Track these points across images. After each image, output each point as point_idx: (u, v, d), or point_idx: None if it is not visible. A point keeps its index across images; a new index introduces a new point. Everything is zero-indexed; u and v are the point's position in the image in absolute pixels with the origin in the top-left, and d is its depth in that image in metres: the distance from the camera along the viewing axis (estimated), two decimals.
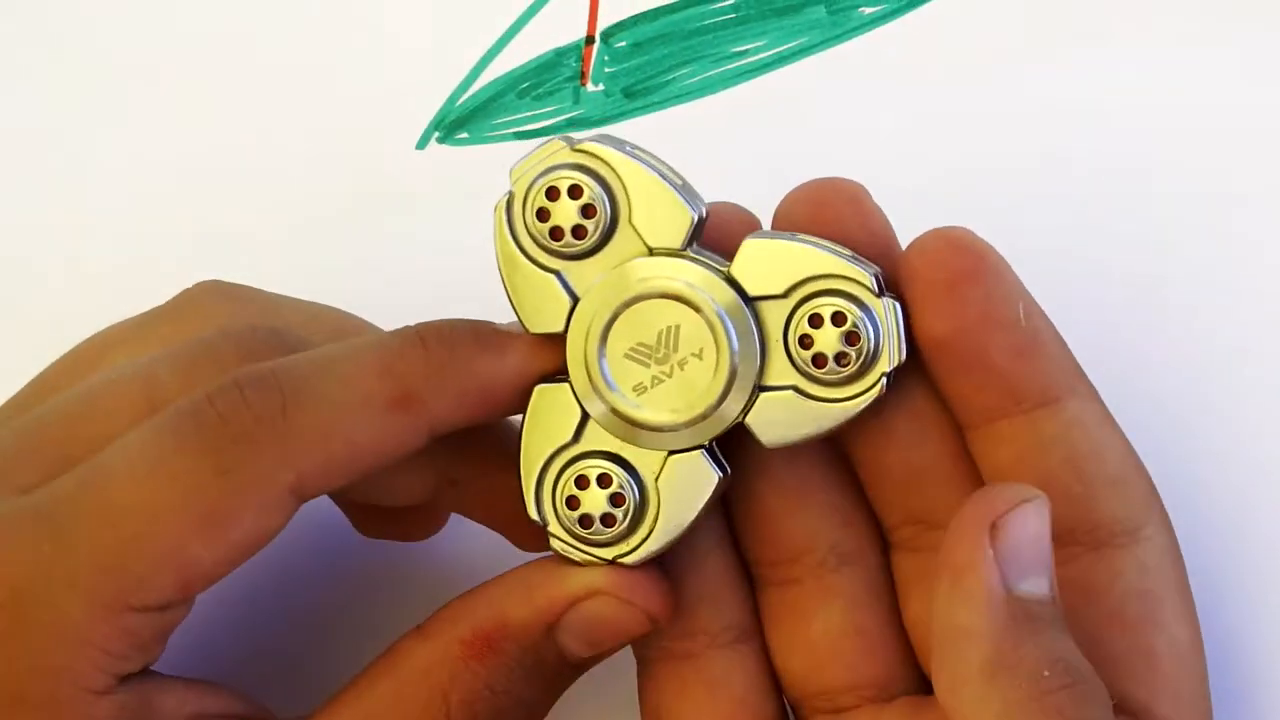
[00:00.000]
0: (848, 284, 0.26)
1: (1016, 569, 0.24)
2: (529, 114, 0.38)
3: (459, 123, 0.38)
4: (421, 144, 0.38)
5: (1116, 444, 0.27)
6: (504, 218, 0.27)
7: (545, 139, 0.27)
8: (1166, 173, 0.36)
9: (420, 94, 0.38)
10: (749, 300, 0.26)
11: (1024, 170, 0.36)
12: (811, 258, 0.26)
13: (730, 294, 0.26)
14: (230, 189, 0.38)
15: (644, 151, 0.27)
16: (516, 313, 0.27)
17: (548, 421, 0.27)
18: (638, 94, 0.38)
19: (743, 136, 0.38)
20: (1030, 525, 0.24)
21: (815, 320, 0.26)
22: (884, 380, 0.26)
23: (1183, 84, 0.36)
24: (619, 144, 0.27)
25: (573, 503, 0.27)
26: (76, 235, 0.38)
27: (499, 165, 0.37)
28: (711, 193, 0.37)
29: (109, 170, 0.39)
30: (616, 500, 0.27)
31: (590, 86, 0.38)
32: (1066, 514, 0.26)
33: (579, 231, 0.26)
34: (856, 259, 0.26)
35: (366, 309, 0.37)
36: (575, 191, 0.26)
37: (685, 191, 0.27)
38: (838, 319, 0.25)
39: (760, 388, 0.26)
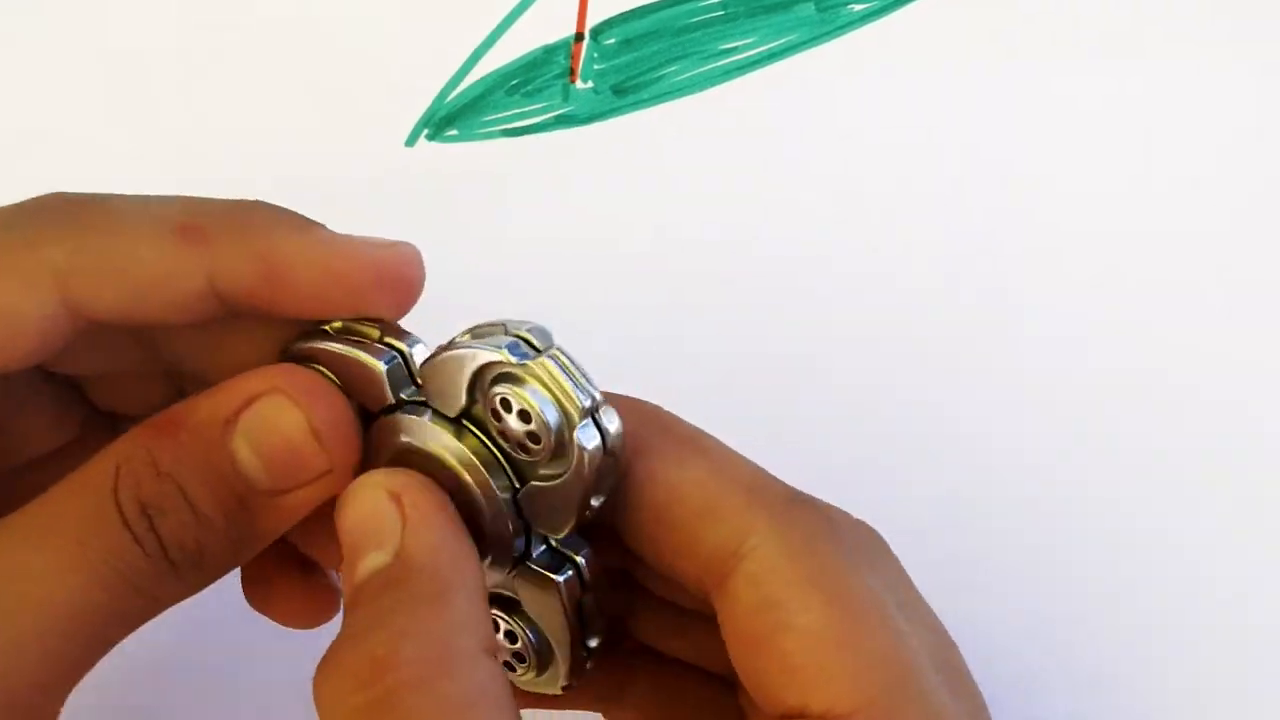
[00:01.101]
0: (498, 367, 0.25)
1: (349, 559, 0.25)
2: (518, 111, 0.38)
3: (448, 120, 0.38)
4: (410, 141, 0.38)
5: (691, 475, 0.26)
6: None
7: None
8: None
9: (409, 91, 0.38)
10: (458, 421, 0.26)
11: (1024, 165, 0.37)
12: (459, 362, 0.25)
13: (437, 430, 0.25)
14: (220, 185, 0.38)
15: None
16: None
17: None
18: (627, 91, 0.38)
19: (729, 134, 0.38)
20: (350, 514, 0.25)
21: (496, 415, 0.25)
22: (589, 441, 0.25)
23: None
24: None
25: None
26: None
27: (489, 162, 0.38)
28: (698, 188, 0.38)
29: (103, 166, 0.39)
30: (512, 640, 0.27)
31: (579, 83, 0.38)
32: (684, 565, 0.26)
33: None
34: (494, 337, 0.25)
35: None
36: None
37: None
38: (505, 405, 0.25)
39: (515, 490, 0.26)
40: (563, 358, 0.24)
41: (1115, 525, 0.35)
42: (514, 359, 0.24)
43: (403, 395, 0.25)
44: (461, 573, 0.24)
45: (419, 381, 0.25)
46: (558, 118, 0.38)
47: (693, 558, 0.26)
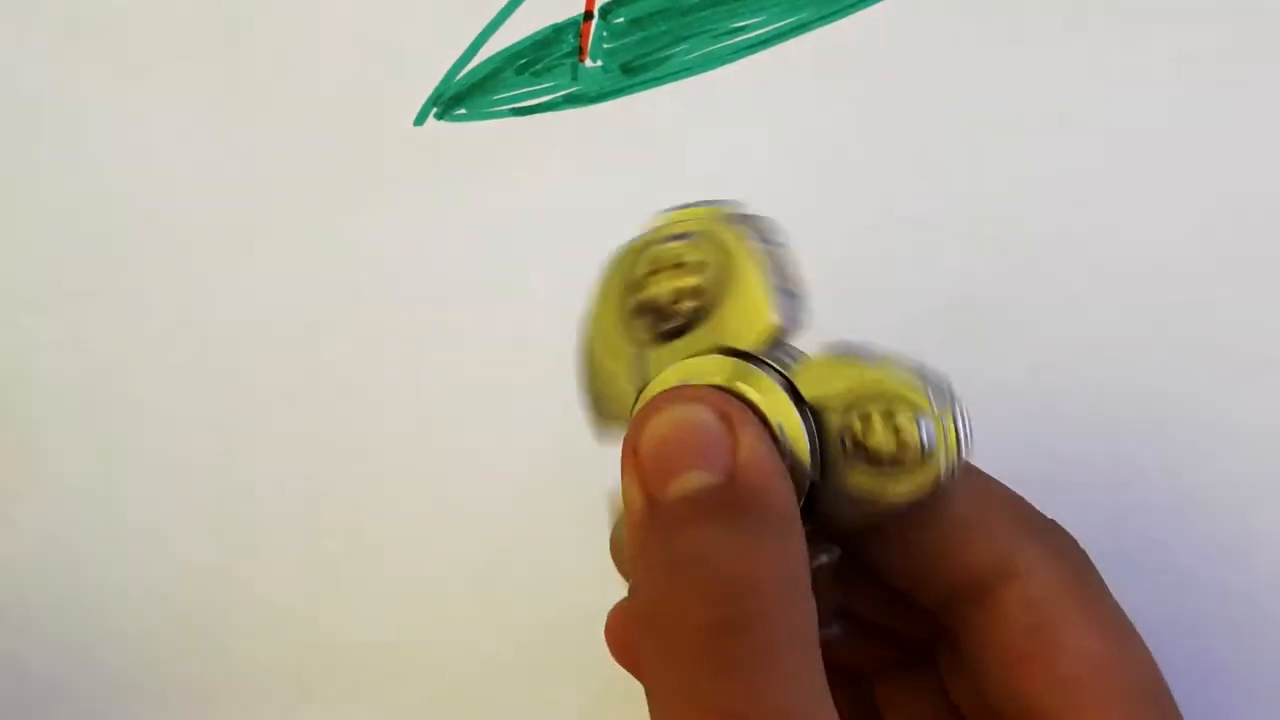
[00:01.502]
0: (908, 394, 0.25)
1: (656, 477, 0.24)
2: (527, 89, 0.38)
3: (457, 99, 0.38)
4: (419, 120, 0.38)
5: (968, 494, 0.27)
6: (613, 271, 0.26)
7: (689, 204, 0.26)
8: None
9: (418, 70, 0.38)
10: (804, 402, 0.25)
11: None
12: (872, 372, 0.25)
13: (780, 392, 0.25)
14: (229, 165, 0.38)
15: (777, 246, 0.26)
16: (587, 403, 0.26)
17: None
18: (636, 70, 0.38)
19: (739, 112, 0.38)
20: (662, 429, 0.24)
21: (867, 419, 0.25)
22: (943, 472, 0.25)
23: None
24: (759, 229, 0.26)
25: None
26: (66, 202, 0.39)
27: (497, 141, 0.38)
28: (708, 168, 0.37)
29: (98, 150, 0.39)
30: None
31: (589, 62, 0.38)
32: (944, 577, 0.27)
33: (663, 314, 0.25)
34: (924, 374, 0.25)
35: (362, 284, 0.37)
36: (685, 268, 0.25)
37: (785, 296, 0.26)
38: (888, 418, 0.25)
39: (815, 483, 0.26)
40: (968, 419, 0.25)
41: None
42: (934, 405, 0.25)
43: (764, 355, 0.25)
44: (793, 508, 0.24)
45: (791, 354, 0.26)
46: (567, 96, 0.38)
47: (955, 571, 0.27)
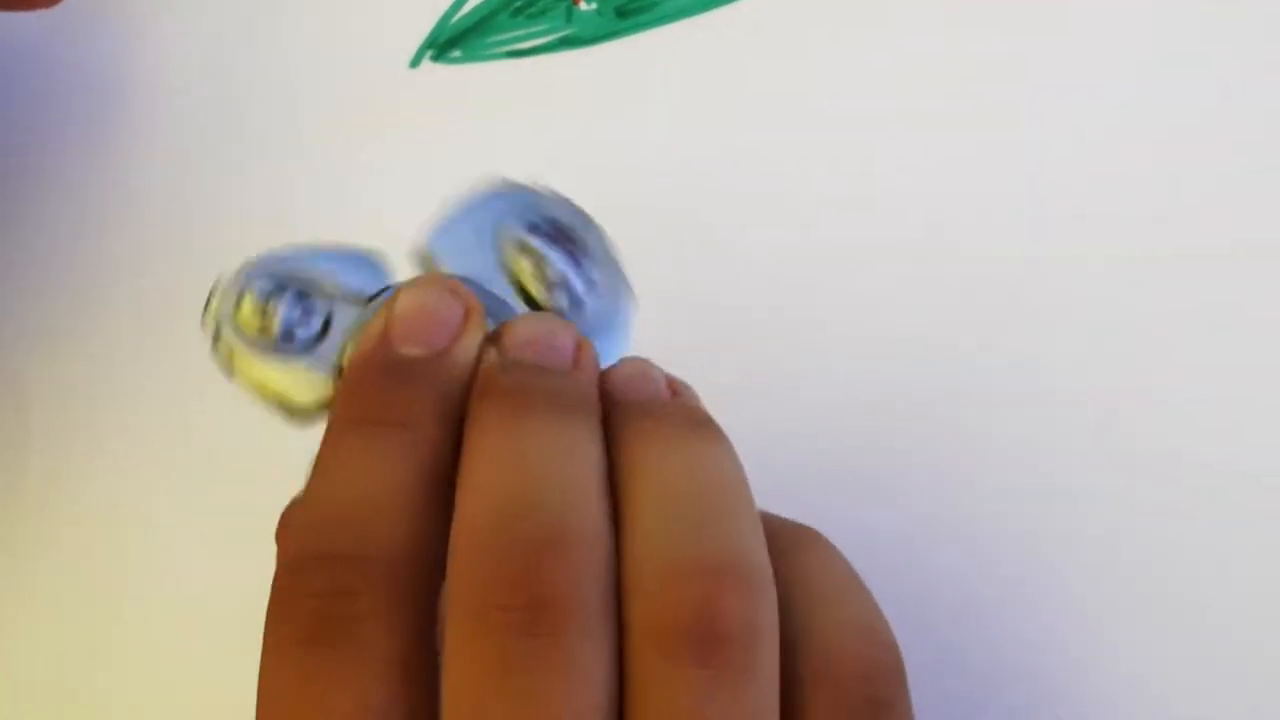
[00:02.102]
0: None
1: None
2: (522, 32, 0.38)
3: (452, 42, 0.38)
4: (414, 63, 0.38)
5: None
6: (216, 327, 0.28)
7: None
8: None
9: (413, 13, 0.38)
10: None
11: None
12: None
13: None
14: (225, 100, 0.39)
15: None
16: (279, 409, 0.28)
17: None
18: (630, 13, 0.38)
19: (734, 56, 0.38)
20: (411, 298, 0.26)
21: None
22: None
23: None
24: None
25: None
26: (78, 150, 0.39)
27: (492, 84, 0.38)
28: (702, 112, 0.38)
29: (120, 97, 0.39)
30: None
31: (583, 5, 0.38)
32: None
33: (305, 326, 0.27)
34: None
35: (357, 226, 0.38)
36: (276, 295, 0.27)
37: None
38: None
39: None
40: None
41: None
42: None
43: None
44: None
45: None
46: (561, 39, 0.38)
47: None
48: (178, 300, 0.37)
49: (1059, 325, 0.35)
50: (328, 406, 0.27)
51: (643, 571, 0.23)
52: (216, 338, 0.27)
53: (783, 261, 0.36)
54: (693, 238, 0.37)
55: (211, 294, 0.27)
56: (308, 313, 0.28)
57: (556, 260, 0.27)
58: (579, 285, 0.27)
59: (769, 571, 0.23)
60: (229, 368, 0.27)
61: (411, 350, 0.25)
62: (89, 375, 0.37)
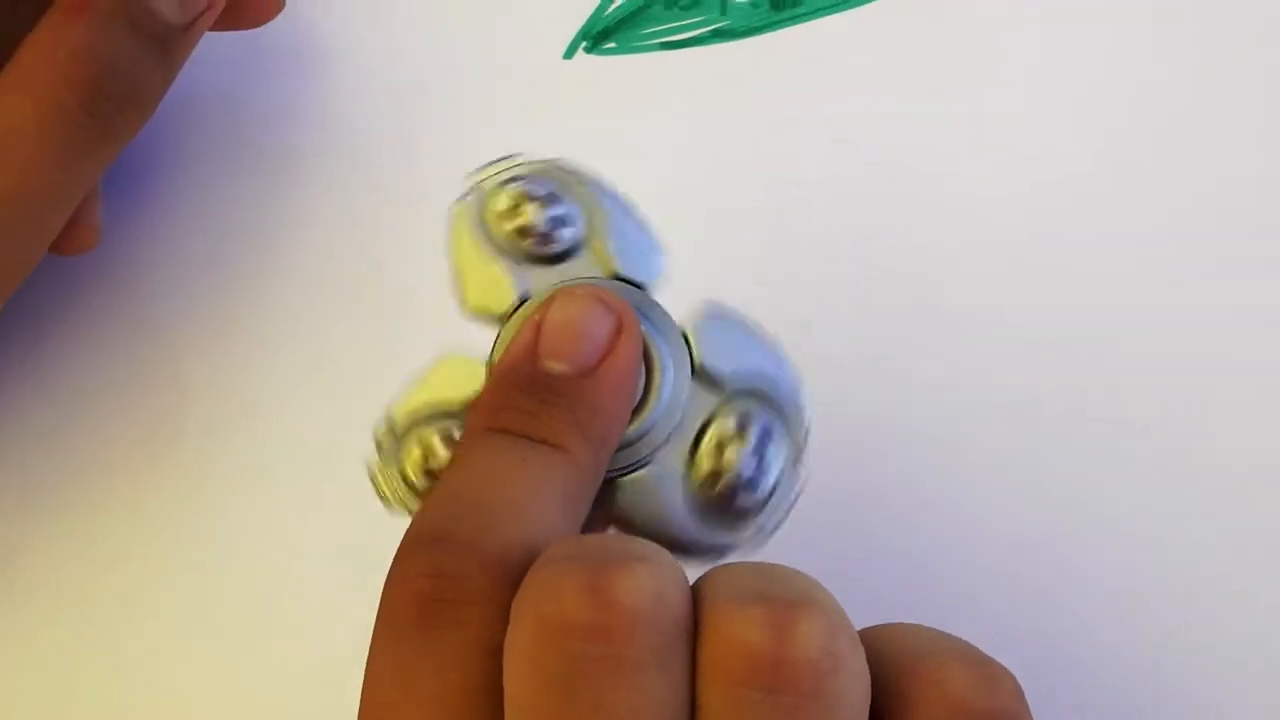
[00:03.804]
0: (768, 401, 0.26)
1: (545, 347, 0.27)
2: (676, 24, 0.38)
3: (606, 33, 0.38)
4: (569, 54, 0.39)
5: None
6: (470, 208, 0.28)
7: (509, 156, 0.28)
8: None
9: (568, 4, 0.38)
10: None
11: None
12: (747, 362, 0.27)
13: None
14: (376, 89, 0.39)
15: (622, 196, 0.29)
16: (458, 288, 0.28)
17: (443, 385, 0.28)
18: (785, 4, 0.38)
19: (888, 50, 0.38)
20: (561, 311, 0.27)
21: (725, 435, 0.27)
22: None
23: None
24: (588, 178, 0.28)
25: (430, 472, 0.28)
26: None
27: (646, 76, 0.38)
28: (857, 106, 0.38)
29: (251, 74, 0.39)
30: None
31: None
32: None
33: (546, 239, 0.28)
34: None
35: None
36: (550, 200, 0.28)
37: (654, 242, 0.28)
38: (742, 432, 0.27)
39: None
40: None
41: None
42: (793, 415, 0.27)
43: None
44: (608, 431, 0.27)
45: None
46: (714, 31, 0.38)
47: None
48: (334, 292, 0.38)
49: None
50: (505, 318, 0.28)
51: (718, 601, 0.22)
52: (463, 199, 0.27)
53: (949, 259, 0.36)
54: (854, 235, 0.37)
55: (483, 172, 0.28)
56: (556, 224, 0.27)
57: None
58: None
59: (846, 615, 0.22)
60: (449, 243, 0.28)
61: (557, 367, 0.25)
62: (245, 362, 0.38)
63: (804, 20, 0.38)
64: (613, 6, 0.38)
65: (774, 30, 0.38)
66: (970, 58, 0.38)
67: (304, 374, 0.37)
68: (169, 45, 0.33)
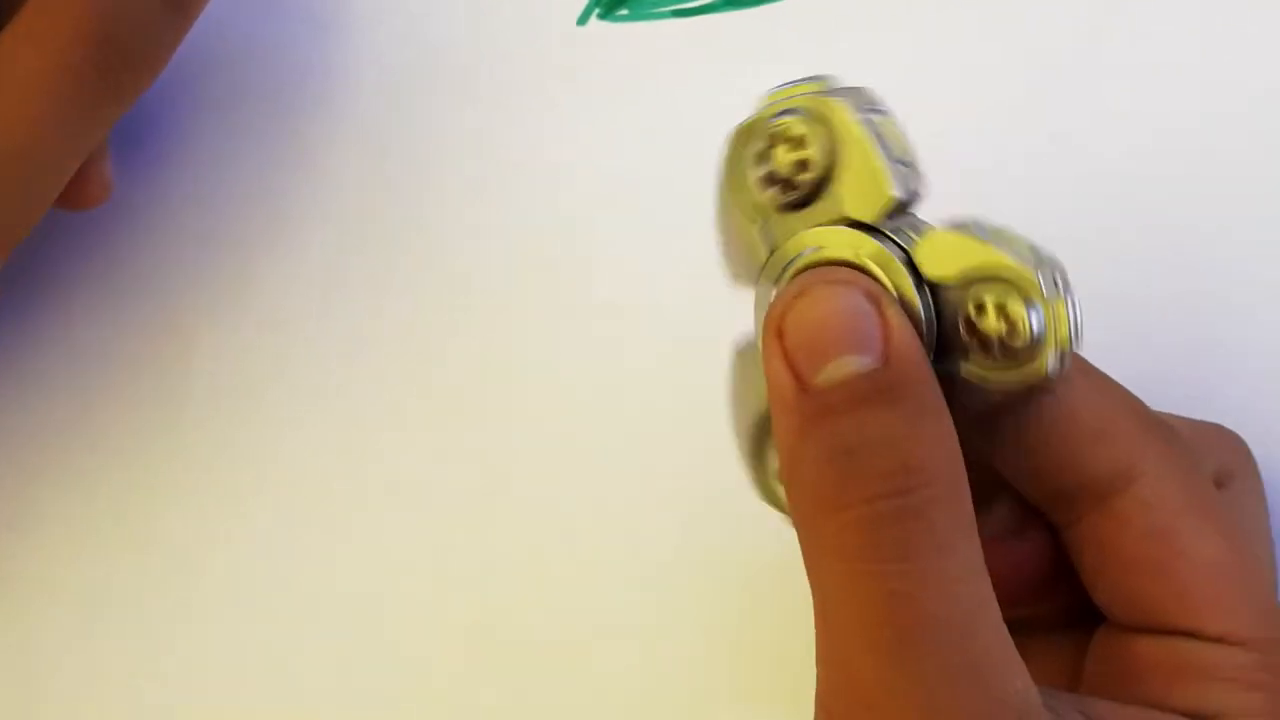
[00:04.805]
0: (1021, 281, 0.25)
1: (808, 361, 0.24)
2: None
3: (620, 0, 0.38)
4: (582, 20, 0.39)
5: (1081, 393, 0.27)
6: (735, 147, 0.27)
7: (798, 79, 0.27)
8: None
9: None
10: (923, 282, 0.26)
11: None
12: (989, 254, 0.25)
13: (904, 272, 0.26)
14: (388, 61, 0.39)
15: (881, 115, 0.26)
16: (722, 256, 0.27)
17: (749, 387, 0.27)
18: None
19: (903, 21, 0.38)
20: (812, 312, 0.24)
21: (981, 307, 0.25)
22: (1050, 360, 0.25)
23: None
24: (861, 100, 0.26)
25: None
26: None
27: (658, 42, 0.38)
28: (870, 77, 0.37)
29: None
30: None
31: None
32: (1064, 478, 0.27)
33: (789, 185, 0.26)
34: (1039, 259, 0.26)
35: (525, 183, 0.38)
36: (799, 142, 0.26)
37: (898, 167, 0.26)
38: (1001, 308, 0.25)
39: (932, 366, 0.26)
40: (1078, 308, 0.25)
41: None
42: (1044, 292, 0.25)
43: (887, 226, 0.26)
44: (940, 392, 0.24)
45: (913, 226, 0.26)
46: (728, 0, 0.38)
47: (1074, 474, 0.27)
48: (343, 266, 0.38)
49: None
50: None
51: None
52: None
53: None
54: None
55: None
56: (799, 169, 0.26)
57: None
58: None
59: None
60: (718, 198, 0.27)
61: (829, 376, 0.23)
62: (254, 336, 0.38)
63: None
64: None
65: None
66: (993, 22, 0.37)
67: (315, 343, 0.37)
68: (182, 1, 0.33)
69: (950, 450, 0.24)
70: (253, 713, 0.36)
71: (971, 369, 0.26)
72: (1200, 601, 0.26)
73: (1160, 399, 0.28)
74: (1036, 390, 0.26)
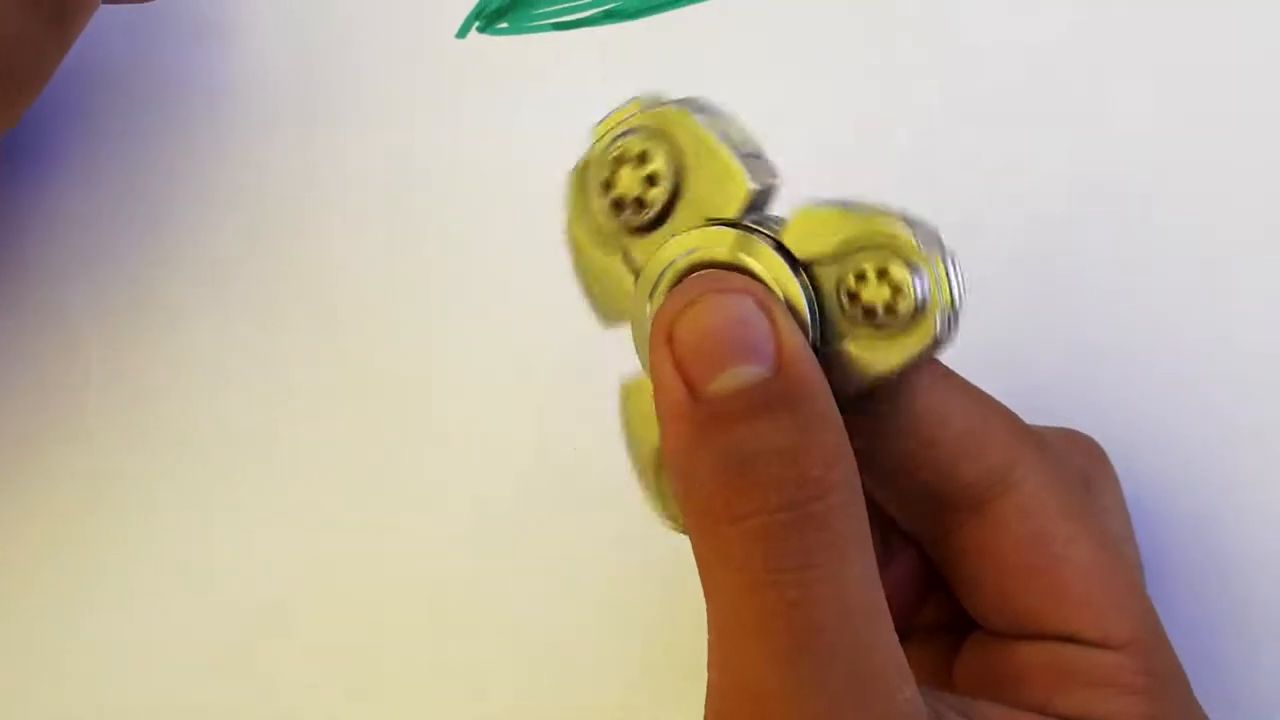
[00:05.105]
0: (899, 244, 0.25)
1: (701, 370, 0.23)
2: (568, 4, 0.39)
3: (499, 12, 0.39)
4: (461, 33, 0.39)
5: (963, 405, 0.27)
6: (575, 186, 0.26)
7: (617, 106, 0.26)
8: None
9: None
10: (798, 264, 0.25)
11: None
12: (865, 223, 0.25)
13: (778, 259, 0.25)
14: (277, 61, 0.39)
15: (718, 116, 0.26)
16: (588, 302, 0.27)
17: (642, 421, 0.26)
18: None
19: (775, 33, 0.38)
20: (704, 320, 0.24)
21: (862, 277, 0.25)
22: (937, 322, 0.25)
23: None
24: (694, 105, 0.26)
25: None
26: None
27: (537, 55, 0.39)
28: (743, 89, 0.38)
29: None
30: None
31: None
32: (939, 486, 0.27)
33: (640, 204, 0.26)
34: (913, 221, 0.25)
35: (403, 197, 0.38)
36: (642, 158, 0.25)
37: (749, 160, 0.26)
38: (883, 274, 0.25)
39: (817, 349, 0.25)
40: (960, 269, 0.25)
41: None
42: (923, 253, 0.25)
43: (749, 220, 0.25)
44: (831, 397, 0.24)
45: (772, 217, 0.26)
46: (606, 12, 0.39)
47: (949, 482, 0.27)
48: (234, 264, 0.38)
49: None
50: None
51: None
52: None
53: None
54: None
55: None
56: (649, 181, 0.25)
57: None
58: None
59: None
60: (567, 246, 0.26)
61: (723, 385, 0.23)
62: (148, 333, 0.37)
63: (693, 2, 0.38)
64: None
65: (665, 11, 0.39)
66: (862, 36, 0.38)
67: (210, 352, 0.37)
68: (65, 18, 0.32)
69: (846, 458, 0.24)
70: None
71: (858, 351, 0.25)
72: (1079, 606, 0.26)
73: (1019, 406, 0.29)
74: (925, 357, 0.25)
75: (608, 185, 0.26)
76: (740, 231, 0.25)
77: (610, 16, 0.39)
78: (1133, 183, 0.37)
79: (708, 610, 0.24)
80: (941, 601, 0.29)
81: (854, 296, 0.25)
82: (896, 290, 0.25)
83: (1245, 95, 0.37)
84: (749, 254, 0.25)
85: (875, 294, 0.25)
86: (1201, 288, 0.36)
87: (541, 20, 0.39)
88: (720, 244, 0.25)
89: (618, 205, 0.26)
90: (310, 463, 0.36)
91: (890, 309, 0.25)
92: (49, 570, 0.36)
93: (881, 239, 0.25)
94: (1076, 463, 0.29)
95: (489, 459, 0.36)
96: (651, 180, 0.25)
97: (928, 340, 0.25)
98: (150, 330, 0.37)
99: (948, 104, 0.37)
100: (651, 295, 0.26)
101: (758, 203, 0.26)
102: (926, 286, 0.25)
